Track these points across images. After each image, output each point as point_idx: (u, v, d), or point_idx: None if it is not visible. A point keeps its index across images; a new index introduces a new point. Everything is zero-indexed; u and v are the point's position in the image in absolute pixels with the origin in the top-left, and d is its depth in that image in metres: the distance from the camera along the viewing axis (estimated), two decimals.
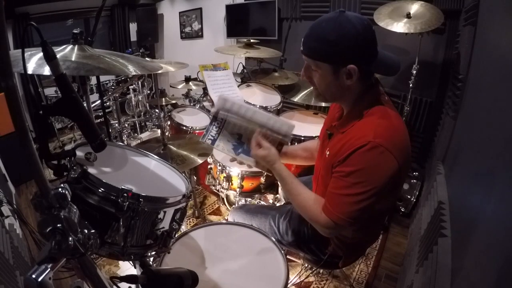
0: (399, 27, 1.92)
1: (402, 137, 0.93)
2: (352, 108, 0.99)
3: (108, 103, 3.15)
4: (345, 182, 0.91)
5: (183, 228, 1.36)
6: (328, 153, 1.03)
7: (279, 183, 1.75)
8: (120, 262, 1.80)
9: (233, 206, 1.77)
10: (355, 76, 0.90)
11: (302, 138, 1.85)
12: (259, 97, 2.30)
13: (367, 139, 0.86)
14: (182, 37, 4.52)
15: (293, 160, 1.40)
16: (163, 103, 2.38)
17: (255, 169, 1.68)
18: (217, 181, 1.82)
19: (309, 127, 2.04)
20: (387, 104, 0.98)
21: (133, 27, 4.53)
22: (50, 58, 0.59)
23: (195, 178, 2.24)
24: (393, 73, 0.98)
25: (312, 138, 1.84)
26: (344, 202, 0.92)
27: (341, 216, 0.92)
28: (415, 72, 2.18)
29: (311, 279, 1.74)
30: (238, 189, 1.73)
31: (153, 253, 0.85)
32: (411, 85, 2.22)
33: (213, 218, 2.28)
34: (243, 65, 3.01)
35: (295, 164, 1.40)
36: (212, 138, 1.24)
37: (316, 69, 0.94)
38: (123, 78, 3.47)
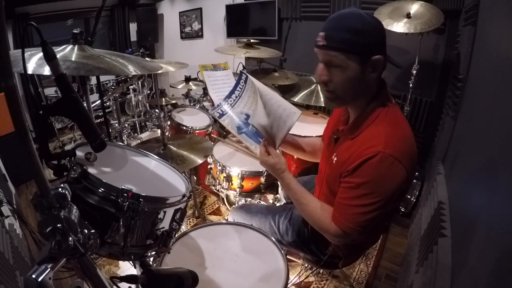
0: (399, 27, 1.92)
1: (410, 145, 0.92)
2: (361, 112, 0.97)
3: (108, 103, 3.15)
4: (355, 192, 0.91)
5: (183, 228, 1.36)
6: (335, 159, 1.02)
7: (279, 186, 1.76)
8: (120, 262, 1.80)
9: (233, 206, 1.77)
10: (379, 67, 0.88)
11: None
12: None
13: (377, 150, 0.85)
14: (182, 37, 4.52)
15: (295, 152, 1.39)
16: (163, 103, 2.38)
17: (255, 169, 1.70)
18: (217, 181, 1.82)
19: (309, 127, 2.04)
20: (395, 108, 0.96)
21: (133, 27, 4.53)
22: (50, 58, 0.59)
23: (195, 178, 2.24)
24: (400, 66, 0.96)
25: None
26: (354, 212, 0.91)
27: (351, 226, 0.92)
28: (415, 72, 2.18)
29: (311, 279, 1.74)
30: (238, 189, 1.73)
31: (153, 253, 0.85)
32: (411, 85, 2.22)
33: (213, 218, 2.28)
34: (243, 65, 3.01)
35: (295, 156, 1.40)
36: (221, 112, 1.25)
37: (342, 64, 0.87)
38: (123, 78, 3.47)
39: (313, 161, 1.39)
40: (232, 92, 1.27)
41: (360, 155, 0.88)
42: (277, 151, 1.13)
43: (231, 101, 1.26)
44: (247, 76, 1.29)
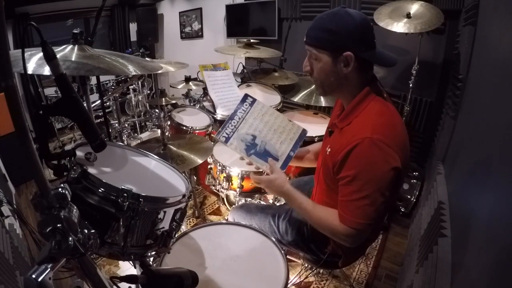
0: (399, 27, 1.92)
1: (400, 132, 0.95)
2: (351, 103, 1.01)
3: (108, 103, 3.14)
4: (353, 187, 0.91)
5: (183, 228, 1.35)
6: (329, 150, 1.04)
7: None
8: (120, 262, 1.80)
9: (233, 206, 1.77)
10: (351, 63, 0.93)
11: None
12: (259, 97, 2.29)
13: (364, 135, 0.88)
14: (182, 37, 4.52)
15: (307, 162, 1.41)
16: (163, 103, 2.38)
17: (255, 169, 1.70)
18: (217, 181, 1.82)
19: (309, 127, 2.02)
20: (387, 100, 1.00)
21: (133, 27, 4.53)
22: (50, 58, 0.59)
23: (195, 178, 2.24)
24: (389, 65, 1.01)
25: (312, 138, 1.84)
26: (359, 206, 0.91)
27: (360, 221, 0.92)
28: (415, 72, 2.17)
29: (311, 279, 1.74)
30: (238, 189, 1.73)
31: (153, 253, 0.86)
32: (411, 85, 2.22)
33: (213, 218, 2.27)
34: (243, 65, 3.01)
35: (302, 166, 1.42)
36: (227, 136, 1.27)
37: (316, 57, 0.98)
38: (123, 78, 3.47)
39: None
40: (234, 114, 1.31)
41: (349, 142, 0.91)
42: (279, 169, 1.19)
43: (234, 122, 1.29)
44: (253, 100, 1.33)
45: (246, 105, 1.31)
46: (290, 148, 1.29)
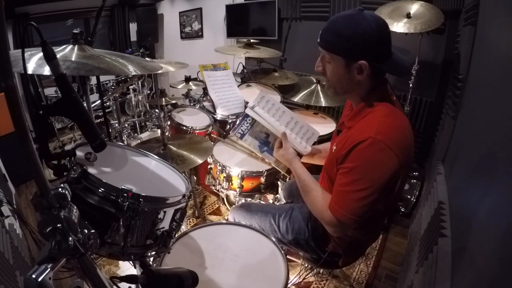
0: (399, 27, 1.92)
1: (405, 136, 0.94)
2: (360, 104, 1.01)
3: (108, 103, 3.14)
4: (347, 178, 0.93)
5: (183, 228, 1.35)
6: (334, 148, 1.07)
7: (279, 186, 1.76)
8: (120, 262, 1.80)
9: (233, 205, 1.77)
10: (365, 71, 0.93)
11: None
12: None
13: (368, 135, 0.89)
14: (182, 37, 4.52)
15: (312, 159, 1.42)
16: (163, 103, 2.37)
17: (255, 169, 1.71)
18: (217, 181, 1.82)
19: None
20: (395, 104, 1.00)
21: (133, 27, 4.53)
22: (50, 58, 0.59)
23: (195, 178, 2.24)
24: (401, 75, 1.01)
25: None
26: (348, 199, 0.93)
27: (345, 214, 0.93)
28: (415, 72, 2.18)
29: (311, 279, 1.74)
30: (238, 189, 1.73)
31: (153, 253, 0.86)
32: (411, 85, 2.22)
33: (213, 218, 2.27)
34: (243, 65, 3.01)
35: (314, 163, 1.44)
36: (242, 132, 1.32)
37: (330, 61, 0.98)
38: (123, 78, 3.46)
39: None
40: (246, 115, 1.34)
41: (353, 140, 0.92)
42: (288, 145, 1.23)
43: (249, 120, 1.33)
44: (268, 99, 1.34)
45: (262, 103, 1.34)
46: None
